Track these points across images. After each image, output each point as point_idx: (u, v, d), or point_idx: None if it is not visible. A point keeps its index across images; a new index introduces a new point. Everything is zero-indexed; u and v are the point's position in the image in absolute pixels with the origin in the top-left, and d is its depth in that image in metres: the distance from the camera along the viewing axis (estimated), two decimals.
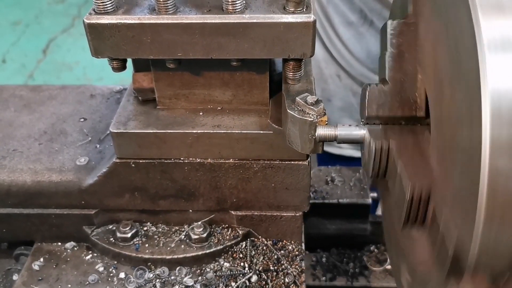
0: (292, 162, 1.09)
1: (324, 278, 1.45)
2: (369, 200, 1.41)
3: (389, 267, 1.45)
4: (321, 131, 0.92)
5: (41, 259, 1.19)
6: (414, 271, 0.86)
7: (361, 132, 0.90)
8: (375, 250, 1.51)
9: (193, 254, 1.15)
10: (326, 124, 0.92)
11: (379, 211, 1.68)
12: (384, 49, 0.91)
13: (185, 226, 1.20)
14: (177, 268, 1.15)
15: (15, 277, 1.21)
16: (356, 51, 1.80)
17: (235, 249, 1.17)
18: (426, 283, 0.80)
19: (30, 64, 5.29)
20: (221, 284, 1.11)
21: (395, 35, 0.89)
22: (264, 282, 1.12)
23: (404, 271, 0.92)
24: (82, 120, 1.28)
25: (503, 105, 0.56)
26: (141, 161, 1.10)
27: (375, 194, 1.49)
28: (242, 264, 1.15)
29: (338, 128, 0.91)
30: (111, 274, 1.15)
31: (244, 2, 0.93)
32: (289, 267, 1.15)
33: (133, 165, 1.10)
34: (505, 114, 0.56)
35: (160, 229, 1.20)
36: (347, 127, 0.91)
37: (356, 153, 1.99)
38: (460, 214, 0.65)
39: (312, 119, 0.92)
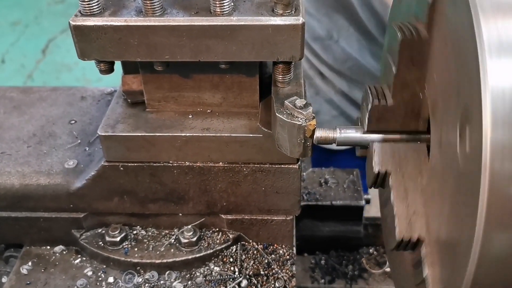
0: (282, 166, 1.07)
1: (323, 280, 1.44)
2: (363, 202, 1.40)
3: (388, 269, 1.44)
4: (320, 134, 0.91)
5: (30, 263, 1.17)
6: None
7: (359, 135, 0.89)
8: (374, 252, 1.50)
9: (183, 258, 1.14)
10: (315, 128, 0.91)
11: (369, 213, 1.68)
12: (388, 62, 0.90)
13: (175, 230, 1.18)
14: (167, 272, 1.13)
15: (4, 279, 1.20)
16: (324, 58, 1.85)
17: (225, 253, 1.16)
18: None
19: (29, 64, 5.29)
20: None
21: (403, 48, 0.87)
22: (254, 287, 1.11)
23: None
24: (72, 122, 1.27)
25: (503, 110, 0.55)
26: (130, 164, 1.09)
27: (369, 196, 1.49)
28: (232, 268, 1.14)
29: (337, 130, 0.90)
30: (100, 279, 1.14)
31: (232, 4, 0.92)
32: (279, 271, 1.14)
33: (121, 168, 1.09)
34: (505, 118, 0.55)
35: (150, 233, 1.19)
36: (346, 129, 0.90)
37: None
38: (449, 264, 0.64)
39: (300, 122, 0.91)
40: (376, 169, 0.83)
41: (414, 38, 0.79)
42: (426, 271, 0.74)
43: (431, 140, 0.78)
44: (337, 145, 0.91)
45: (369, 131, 0.88)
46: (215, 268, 1.14)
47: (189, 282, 1.12)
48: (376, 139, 0.87)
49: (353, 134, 0.88)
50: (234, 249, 1.17)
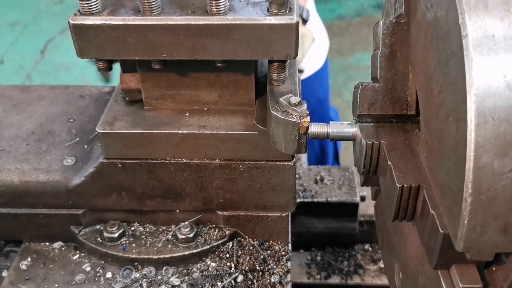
0: (278, 163, 1.09)
1: (318, 276, 1.45)
2: (358, 199, 1.42)
3: (382, 265, 1.46)
4: (314, 129, 0.93)
5: (29, 259, 1.19)
6: (406, 266, 0.88)
7: (352, 129, 0.91)
8: (369, 248, 1.52)
9: (180, 254, 1.15)
10: (309, 125, 0.93)
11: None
12: (376, 48, 0.92)
13: (172, 226, 1.20)
14: (164, 268, 1.15)
15: (4, 273, 1.22)
16: None
17: (222, 249, 1.18)
18: (417, 276, 0.81)
19: (28, 65, 5.30)
20: (207, 284, 1.12)
21: (387, 34, 0.90)
22: (250, 282, 1.13)
23: (397, 268, 0.94)
24: (70, 120, 1.28)
25: (487, 103, 0.57)
26: (127, 161, 1.10)
27: (364, 194, 1.50)
28: (228, 264, 1.16)
29: (330, 125, 0.92)
30: (98, 274, 1.15)
31: (228, 3, 0.94)
32: (275, 267, 1.15)
33: (119, 165, 1.11)
34: (489, 112, 0.57)
35: (147, 229, 1.21)
36: (339, 124, 0.92)
37: None
38: (447, 208, 0.66)
39: (295, 120, 0.93)
40: (368, 141, 0.85)
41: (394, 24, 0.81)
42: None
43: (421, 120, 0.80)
44: (330, 140, 0.92)
45: (361, 115, 0.90)
46: (212, 263, 1.16)
47: (186, 278, 1.14)
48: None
49: (346, 129, 0.90)
50: (230, 245, 1.19)
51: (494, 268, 0.71)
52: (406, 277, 0.89)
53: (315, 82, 2.51)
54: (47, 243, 1.23)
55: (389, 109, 0.89)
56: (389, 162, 0.82)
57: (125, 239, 1.18)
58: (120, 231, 1.18)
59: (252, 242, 1.20)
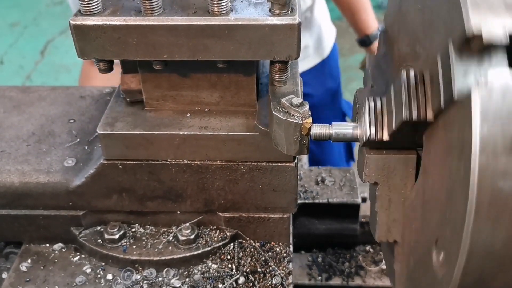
0: (279, 164, 1.09)
1: (320, 277, 1.45)
2: (359, 200, 1.42)
3: (384, 266, 1.46)
4: (316, 130, 0.92)
5: (29, 260, 1.18)
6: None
7: (356, 130, 0.90)
8: (371, 250, 1.51)
9: (181, 255, 1.15)
10: (311, 126, 0.93)
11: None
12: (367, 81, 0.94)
13: (173, 228, 1.20)
14: (165, 269, 1.15)
15: (4, 275, 1.21)
16: None
17: (223, 251, 1.17)
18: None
19: (27, 65, 5.30)
20: (208, 286, 1.11)
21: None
22: (251, 284, 1.12)
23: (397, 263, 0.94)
24: (71, 121, 1.28)
25: (492, 104, 0.57)
26: (128, 162, 1.10)
27: (365, 194, 1.50)
28: (229, 265, 1.15)
29: (333, 126, 0.92)
30: (99, 276, 1.15)
31: (229, 4, 0.94)
32: (276, 268, 1.15)
33: (120, 166, 1.10)
34: (493, 113, 0.57)
35: (148, 231, 1.20)
36: (341, 125, 0.92)
37: None
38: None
39: (297, 121, 0.93)
40: (366, 180, 0.88)
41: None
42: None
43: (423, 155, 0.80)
44: (333, 141, 0.92)
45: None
46: (213, 265, 1.15)
47: (187, 279, 1.13)
48: None
49: (349, 130, 0.89)
50: (231, 247, 1.18)
51: None
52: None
53: (324, 70, 2.39)
54: (47, 245, 1.22)
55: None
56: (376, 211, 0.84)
57: (125, 240, 1.18)
58: (121, 232, 1.17)
59: (253, 244, 1.20)
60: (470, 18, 0.58)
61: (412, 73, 0.74)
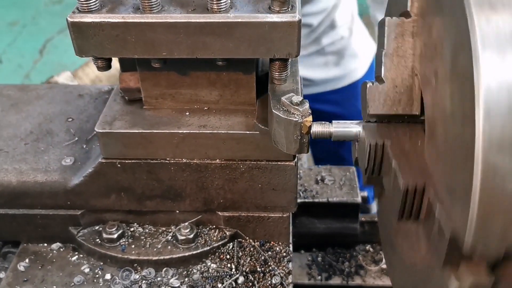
0: (279, 163, 1.08)
1: (319, 277, 1.44)
2: (359, 199, 1.41)
3: (384, 266, 1.45)
4: (316, 128, 0.91)
5: (27, 260, 1.17)
6: (412, 266, 0.87)
7: (356, 129, 0.89)
8: (371, 249, 1.51)
9: (180, 255, 1.14)
10: (311, 124, 0.92)
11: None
12: (380, 47, 0.91)
13: (172, 227, 1.19)
14: (164, 269, 1.14)
15: (2, 275, 1.20)
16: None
17: (222, 250, 1.17)
18: (424, 276, 0.80)
19: (26, 64, 5.29)
20: (207, 286, 1.10)
21: (393, 32, 0.89)
22: (251, 284, 1.11)
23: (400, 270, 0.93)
24: (69, 120, 1.27)
25: (495, 101, 0.57)
26: (127, 161, 1.09)
27: (365, 194, 1.49)
28: (229, 265, 1.14)
29: (333, 125, 0.91)
30: (97, 275, 1.14)
31: (229, 1, 0.93)
32: (276, 268, 1.14)
33: (119, 165, 1.09)
34: (497, 110, 0.57)
35: (147, 230, 1.19)
36: (342, 124, 0.91)
37: None
38: (455, 207, 0.66)
39: (297, 119, 0.92)
40: (372, 141, 0.84)
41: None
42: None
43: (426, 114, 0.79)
44: (333, 140, 0.91)
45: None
46: (212, 265, 1.14)
47: (186, 279, 1.12)
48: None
49: (349, 128, 0.89)
50: (230, 246, 1.18)
51: (504, 266, 0.70)
52: (413, 277, 0.88)
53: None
54: (45, 244, 1.21)
55: (393, 109, 0.88)
56: (393, 162, 0.81)
57: (124, 240, 1.17)
58: (119, 232, 1.16)
59: (253, 243, 1.19)
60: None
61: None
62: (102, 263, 1.16)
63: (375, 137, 0.86)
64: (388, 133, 0.87)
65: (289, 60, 1.00)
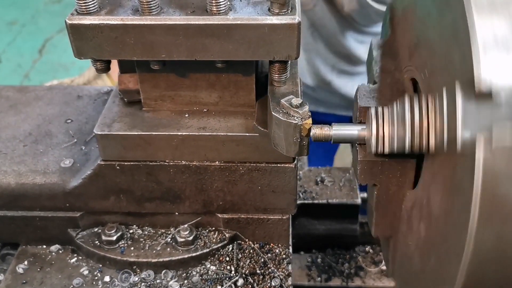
0: (279, 165, 1.07)
1: (319, 278, 1.44)
2: (359, 201, 1.41)
3: (384, 267, 1.45)
4: (316, 131, 0.91)
5: (26, 262, 1.17)
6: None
7: (356, 131, 0.89)
8: (370, 250, 1.51)
9: (179, 257, 1.14)
10: (311, 126, 0.91)
11: None
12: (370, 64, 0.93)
13: (171, 229, 1.18)
14: (163, 271, 1.13)
15: (1, 277, 1.20)
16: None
17: (222, 252, 1.16)
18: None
19: (26, 64, 5.28)
20: None
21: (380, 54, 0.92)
22: (250, 286, 1.11)
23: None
24: (68, 121, 1.27)
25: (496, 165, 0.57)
26: (126, 163, 1.09)
27: (365, 195, 1.49)
28: (228, 267, 1.14)
29: (333, 127, 0.91)
30: (96, 278, 1.14)
31: (228, 3, 0.92)
32: (275, 270, 1.14)
33: (118, 167, 1.09)
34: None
35: (146, 232, 1.19)
36: (342, 126, 0.90)
37: None
38: None
39: (296, 121, 0.91)
40: (361, 182, 0.90)
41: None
42: None
43: None
44: (333, 143, 0.91)
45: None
46: (211, 267, 1.14)
47: (185, 281, 1.12)
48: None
49: (349, 131, 0.88)
50: (230, 248, 1.17)
51: None
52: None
53: None
54: (44, 246, 1.21)
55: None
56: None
57: (123, 242, 1.16)
58: (119, 234, 1.16)
59: (253, 245, 1.19)
60: (480, 72, 0.56)
61: (416, 103, 0.73)
62: (101, 265, 1.16)
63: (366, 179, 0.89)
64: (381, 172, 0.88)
65: (289, 62, 1.00)
